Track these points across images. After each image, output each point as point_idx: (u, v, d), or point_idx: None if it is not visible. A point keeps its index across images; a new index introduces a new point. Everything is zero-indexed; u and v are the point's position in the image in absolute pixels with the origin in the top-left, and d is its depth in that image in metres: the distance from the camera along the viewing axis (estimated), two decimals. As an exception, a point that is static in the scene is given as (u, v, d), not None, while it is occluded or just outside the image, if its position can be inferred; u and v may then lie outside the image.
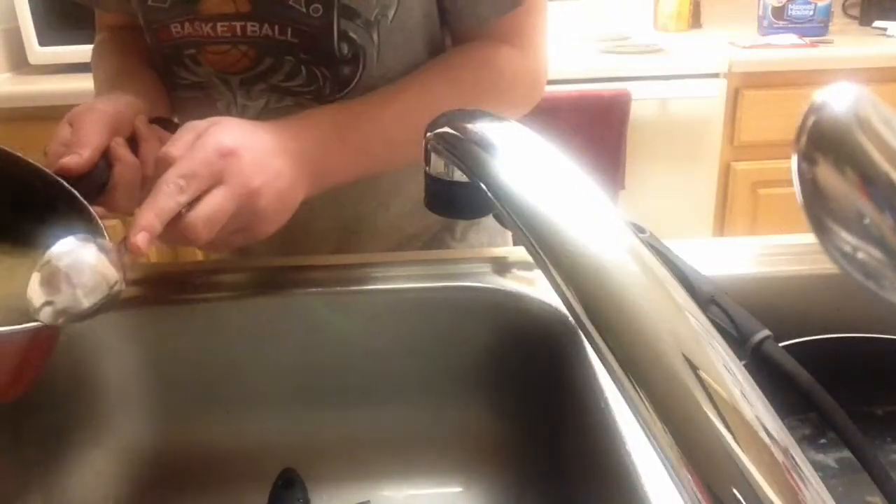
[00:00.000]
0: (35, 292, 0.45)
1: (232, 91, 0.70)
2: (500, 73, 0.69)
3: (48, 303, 0.45)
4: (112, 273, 0.47)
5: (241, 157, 0.54)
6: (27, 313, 0.44)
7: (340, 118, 0.63)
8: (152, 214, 0.50)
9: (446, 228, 0.82)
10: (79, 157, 0.54)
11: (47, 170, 0.51)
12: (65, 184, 0.51)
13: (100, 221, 0.51)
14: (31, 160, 0.51)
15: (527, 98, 0.73)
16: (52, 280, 0.45)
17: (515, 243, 0.87)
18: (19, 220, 0.50)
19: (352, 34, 0.65)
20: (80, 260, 0.47)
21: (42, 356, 0.50)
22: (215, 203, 0.53)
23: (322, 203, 0.74)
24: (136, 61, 0.72)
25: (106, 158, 0.56)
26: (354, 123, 0.63)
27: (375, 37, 0.65)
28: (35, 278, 0.45)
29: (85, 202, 0.51)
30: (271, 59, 0.67)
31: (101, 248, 0.48)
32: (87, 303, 0.46)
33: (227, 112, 0.71)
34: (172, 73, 0.72)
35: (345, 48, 0.65)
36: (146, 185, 0.56)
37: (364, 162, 0.65)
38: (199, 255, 1.01)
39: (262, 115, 0.69)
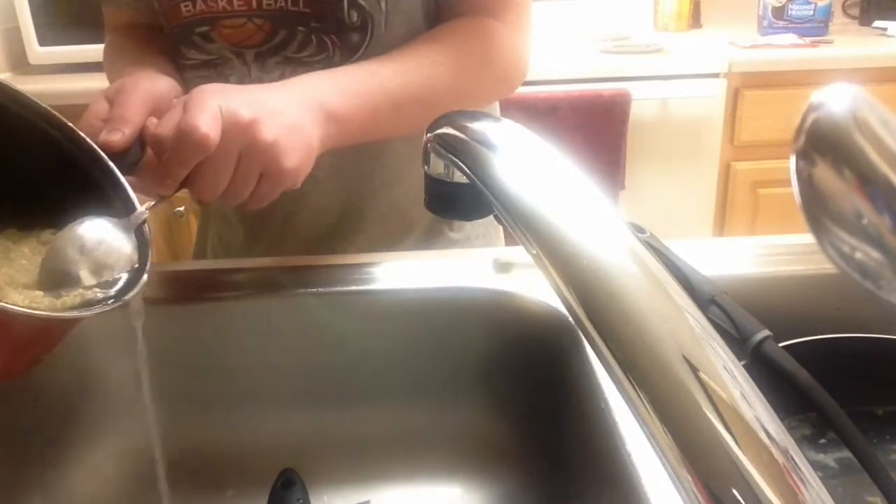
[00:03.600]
0: (76, 273, 0.45)
1: (247, 65, 0.71)
2: (488, 43, 0.70)
3: (88, 286, 0.46)
4: (134, 255, 0.49)
5: (228, 97, 0.53)
6: (57, 287, 0.45)
7: (335, 71, 0.64)
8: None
9: (443, 220, 0.82)
10: (121, 135, 0.53)
11: (93, 143, 0.51)
12: (107, 160, 0.51)
13: (134, 198, 0.51)
14: (79, 131, 0.50)
15: (513, 74, 0.74)
16: (89, 264, 0.46)
17: (507, 235, 0.88)
18: (49, 193, 0.50)
19: (361, 1, 0.66)
20: (112, 242, 0.47)
21: (59, 337, 0.50)
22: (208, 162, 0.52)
23: (327, 174, 0.74)
24: (154, 52, 0.73)
25: (140, 138, 0.55)
26: (350, 74, 0.64)
27: (383, 4, 0.67)
28: (71, 261, 0.45)
29: (123, 179, 0.51)
30: (285, 31, 0.68)
31: (126, 228, 0.49)
32: (114, 288, 0.47)
33: None
34: (180, 55, 0.72)
35: (354, 15, 0.67)
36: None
37: (368, 114, 0.64)
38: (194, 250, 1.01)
39: None
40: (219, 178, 0.53)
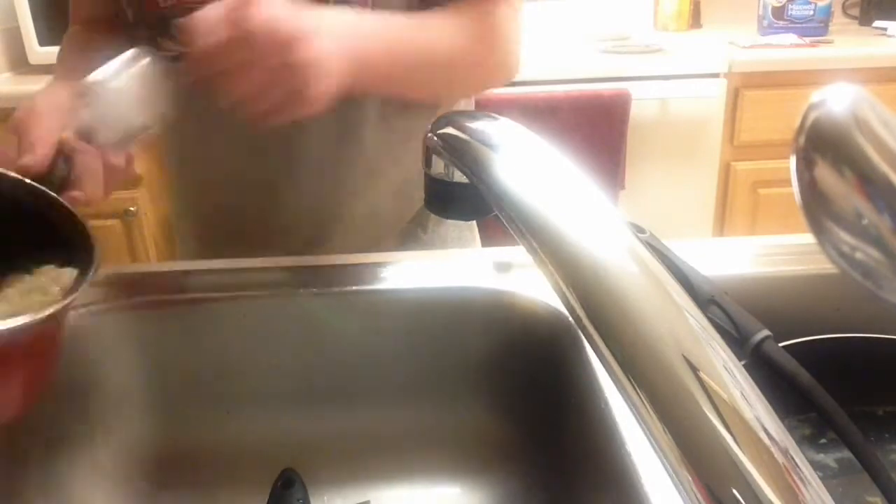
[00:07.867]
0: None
1: None
2: (491, 29, 0.72)
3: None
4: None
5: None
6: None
7: (371, 16, 0.65)
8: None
9: (417, 223, 0.82)
10: (32, 155, 0.52)
11: (28, 181, 0.50)
12: (46, 191, 0.50)
13: (86, 224, 0.51)
14: (12, 174, 0.50)
15: (509, 64, 0.75)
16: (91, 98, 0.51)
17: (483, 237, 0.88)
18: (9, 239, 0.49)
19: None
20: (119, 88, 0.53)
21: (47, 364, 0.50)
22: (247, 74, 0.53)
23: (304, 174, 0.74)
24: (88, 60, 0.72)
25: (63, 154, 0.55)
26: (387, 22, 0.65)
27: None
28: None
29: (64, 203, 0.51)
30: None
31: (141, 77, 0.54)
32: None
33: None
34: (156, 46, 0.71)
35: None
36: (107, 172, 0.56)
37: (396, 61, 0.65)
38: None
39: None
40: (246, 81, 0.53)
